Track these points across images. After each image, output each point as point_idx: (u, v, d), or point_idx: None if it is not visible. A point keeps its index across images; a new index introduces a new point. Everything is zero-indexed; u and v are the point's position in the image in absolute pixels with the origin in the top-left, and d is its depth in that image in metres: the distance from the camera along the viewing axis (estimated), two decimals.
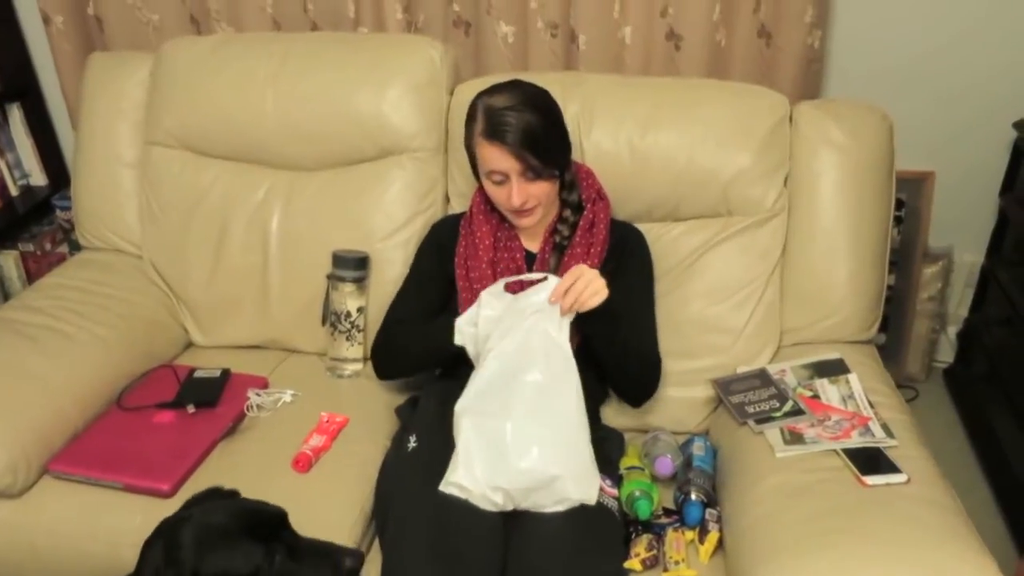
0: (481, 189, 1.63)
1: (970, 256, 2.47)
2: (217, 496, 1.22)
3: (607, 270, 1.59)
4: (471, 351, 1.50)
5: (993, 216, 2.37)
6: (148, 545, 1.14)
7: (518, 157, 1.45)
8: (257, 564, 1.10)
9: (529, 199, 1.50)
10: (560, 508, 1.33)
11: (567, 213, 1.60)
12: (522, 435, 1.33)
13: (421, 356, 1.64)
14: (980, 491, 2.15)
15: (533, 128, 1.45)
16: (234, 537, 1.11)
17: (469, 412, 1.37)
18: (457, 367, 1.57)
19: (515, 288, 1.51)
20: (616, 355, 1.55)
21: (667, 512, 1.49)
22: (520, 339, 1.40)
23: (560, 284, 1.40)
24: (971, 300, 2.48)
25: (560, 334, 1.41)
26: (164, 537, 1.12)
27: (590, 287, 1.39)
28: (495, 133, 1.45)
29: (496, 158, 1.47)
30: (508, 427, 1.33)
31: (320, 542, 1.19)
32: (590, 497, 1.35)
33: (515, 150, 1.44)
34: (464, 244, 1.64)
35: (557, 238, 1.61)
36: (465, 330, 1.50)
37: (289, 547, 1.14)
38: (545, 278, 1.47)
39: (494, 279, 1.58)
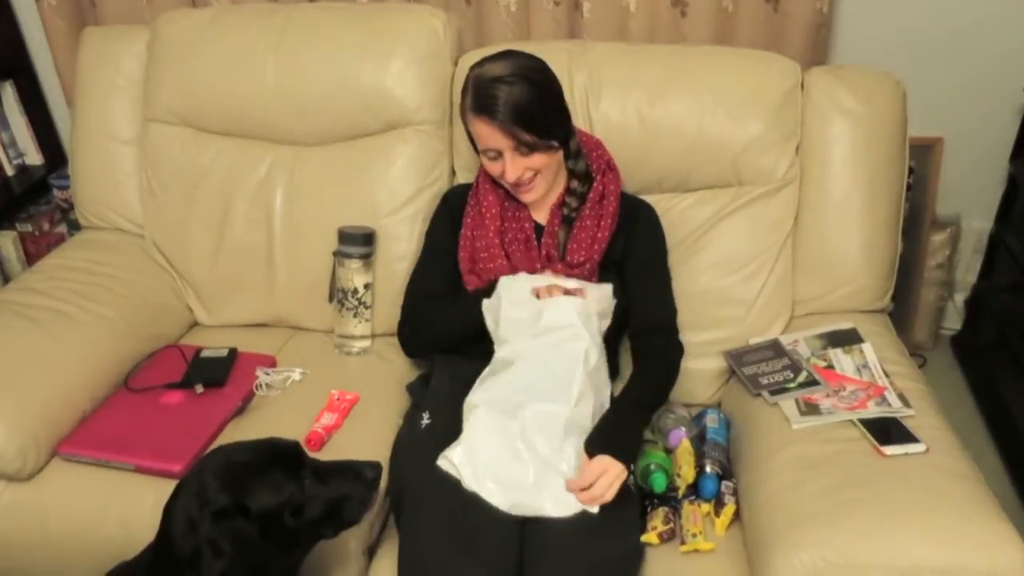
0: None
1: (978, 223, 2.45)
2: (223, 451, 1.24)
3: (617, 245, 1.57)
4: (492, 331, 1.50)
5: (1002, 182, 2.35)
6: (170, 506, 1.16)
7: (508, 133, 1.41)
8: (291, 491, 1.17)
9: (525, 173, 1.48)
10: (562, 512, 1.29)
11: (575, 184, 1.57)
12: (527, 441, 1.33)
13: (451, 335, 1.60)
14: (989, 459, 2.15)
15: (523, 102, 1.41)
16: (262, 471, 1.17)
17: (485, 404, 1.37)
18: (470, 344, 1.55)
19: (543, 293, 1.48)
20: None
21: None
22: (547, 356, 1.39)
23: (583, 478, 1.31)
24: (979, 267, 2.47)
25: (589, 363, 1.39)
26: (189, 489, 1.14)
27: (611, 488, 1.30)
28: (483, 108, 1.42)
29: (486, 134, 1.44)
30: (517, 427, 1.33)
31: (339, 462, 1.26)
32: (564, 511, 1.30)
33: (505, 126, 1.41)
34: (471, 215, 1.62)
35: (566, 210, 1.58)
36: (487, 315, 1.50)
37: (314, 471, 1.21)
38: (580, 290, 1.46)
39: (502, 250, 1.56)
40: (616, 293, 1.54)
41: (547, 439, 1.33)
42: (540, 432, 1.33)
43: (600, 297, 1.49)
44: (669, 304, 1.61)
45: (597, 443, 1.36)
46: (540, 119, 1.44)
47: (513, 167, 1.45)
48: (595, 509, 1.30)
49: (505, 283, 1.50)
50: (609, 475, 1.31)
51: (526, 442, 1.33)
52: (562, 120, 1.51)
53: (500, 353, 1.45)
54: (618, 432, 1.40)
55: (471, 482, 1.30)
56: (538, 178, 1.50)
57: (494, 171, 1.50)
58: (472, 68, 1.48)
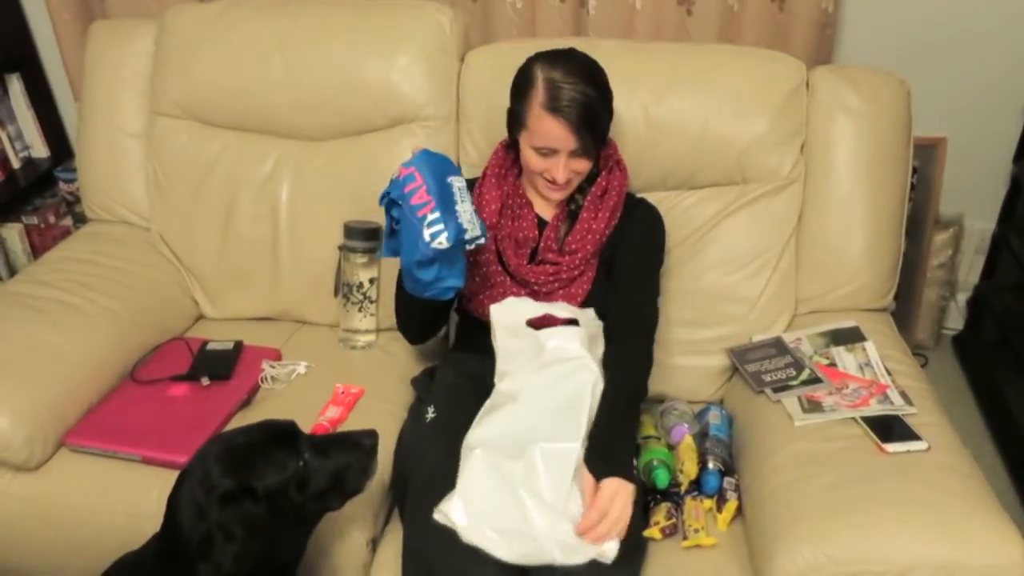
0: (499, 151, 1.61)
1: (981, 223, 2.46)
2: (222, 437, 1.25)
3: (614, 241, 1.57)
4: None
5: (1005, 182, 2.35)
6: (174, 497, 1.17)
7: (577, 136, 1.41)
8: (293, 467, 1.18)
9: (570, 174, 1.48)
10: (573, 560, 1.22)
11: (584, 184, 1.58)
12: (530, 486, 1.26)
13: (406, 312, 1.58)
14: (989, 458, 2.15)
15: (596, 107, 1.42)
16: (262, 450, 1.18)
17: (483, 446, 1.31)
18: (473, 339, 1.56)
19: (537, 324, 1.44)
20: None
21: None
22: (553, 390, 1.34)
23: (598, 507, 1.25)
24: (982, 267, 2.47)
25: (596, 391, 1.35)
26: (193, 477, 1.15)
27: (618, 525, 1.25)
28: (558, 108, 1.39)
29: (554, 134, 1.42)
30: (520, 470, 1.27)
31: (336, 434, 1.29)
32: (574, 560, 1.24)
33: (575, 127, 1.40)
34: None
35: (572, 206, 1.59)
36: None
37: (313, 446, 1.23)
38: (575, 321, 1.43)
39: (493, 245, 1.55)
40: (604, 286, 1.54)
41: (554, 481, 1.26)
42: (547, 473, 1.26)
43: (588, 320, 1.45)
44: (652, 293, 1.58)
45: (601, 464, 1.30)
46: (604, 125, 1.47)
47: (566, 168, 1.46)
48: (615, 552, 1.22)
49: (497, 311, 1.44)
50: (623, 495, 1.27)
51: (529, 488, 1.25)
52: (610, 124, 1.52)
53: (501, 385, 1.40)
54: (617, 447, 1.36)
55: (471, 535, 1.22)
56: (575, 180, 1.51)
57: (539, 166, 1.48)
58: (536, 63, 1.45)
